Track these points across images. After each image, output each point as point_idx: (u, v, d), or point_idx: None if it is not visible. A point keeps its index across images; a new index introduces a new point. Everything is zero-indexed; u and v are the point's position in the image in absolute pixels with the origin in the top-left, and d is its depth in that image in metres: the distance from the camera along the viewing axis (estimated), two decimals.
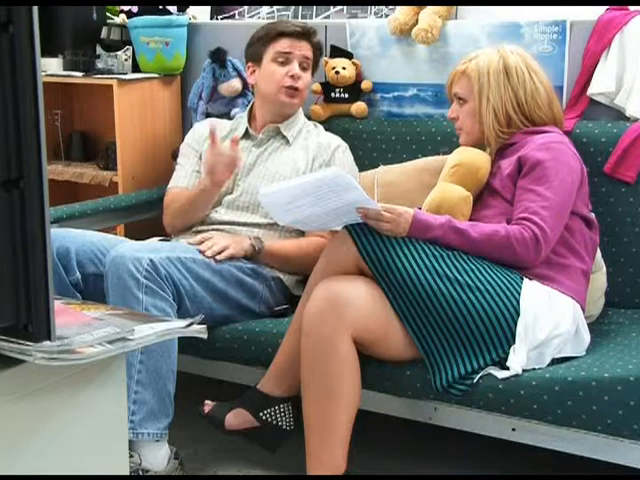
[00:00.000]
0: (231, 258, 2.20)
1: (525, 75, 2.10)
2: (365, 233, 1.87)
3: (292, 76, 2.41)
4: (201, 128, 2.60)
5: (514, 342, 1.85)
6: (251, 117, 2.55)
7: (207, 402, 2.07)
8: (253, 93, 2.61)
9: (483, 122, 2.11)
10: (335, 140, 2.50)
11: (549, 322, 1.88)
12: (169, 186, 2.54)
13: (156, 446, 1.99)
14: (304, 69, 2.45)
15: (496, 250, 1.90)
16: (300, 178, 2.02)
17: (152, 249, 2.07)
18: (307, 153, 2.44)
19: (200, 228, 2.40)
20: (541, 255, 1.91)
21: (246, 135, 2.51)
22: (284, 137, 2.47)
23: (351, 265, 1.89)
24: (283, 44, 2.42)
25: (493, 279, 1.87)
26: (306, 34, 2.45)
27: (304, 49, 2.45)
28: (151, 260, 1.99)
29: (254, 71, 2.48)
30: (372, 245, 1.86)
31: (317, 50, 2.51)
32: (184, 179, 2.51)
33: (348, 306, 1.82)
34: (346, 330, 1.82)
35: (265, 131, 2.48)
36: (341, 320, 1.81)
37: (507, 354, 1.85)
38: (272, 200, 1.94)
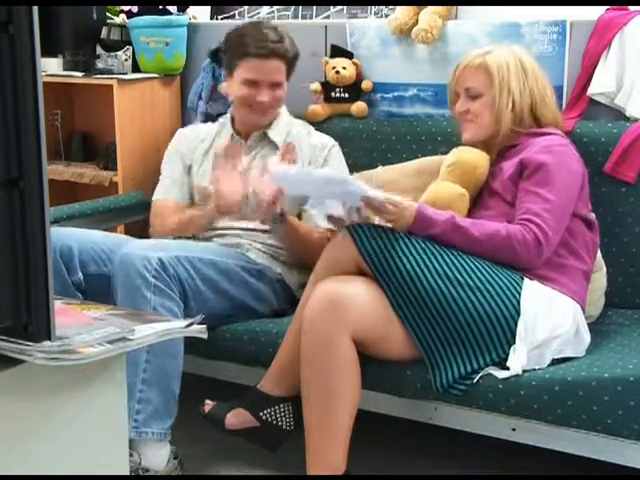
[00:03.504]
0: (237, 259, 2.21)
1: (538, 74, 2.10)
2: (365, 233, 1.87)
3: (257, 100, 2.34)
4: (188, 135, 2.54)
5: (514, 342, 1.85)
6: (233, 121, 2.50)
7: (207, 402, 2.07)
8: None
9: (500, 115, 2.08)
10: (327, 140, 2.48)
11: (549, 322, 1.88)
12: (159, 197, 2.49)
13: (157, 446, 1.99)
14: (276, 86, 2.35)
15: (497, 250, 1.90)
16: (316, 170, 2.01)
17: (160, 247, 2.06)
18: (300, 156, 2.38)
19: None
20: (543, 257, 1.91)
21: (232, 140, 2.45)
22: (272, 142, 2.43)
23: (351, 265, 1.88)
24: (250, 67, 2.31)
25: (493, 279, 1.87)
26: (273, 54, 2.31)
27: (272, 71, 2.32)
28: (160, 259, 1.99)
29: (227, 79, 2.42)
30: (372, 245, 1.86)
31: (291, 61, 2.37)
32: (175, 191, 2.47)
33: (348, 306, 1.81)
34: (346, 330, 1.81)
35: (253, 138, 2.45)
36: (341, 320, 1.81)
37: (507, 354, 1.85)
38: (281, 177, 1.96)
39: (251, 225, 2.34)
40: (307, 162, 2.41)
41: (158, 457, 2.00)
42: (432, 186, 2.11)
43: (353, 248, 1.87)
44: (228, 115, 2.53)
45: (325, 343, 1.82)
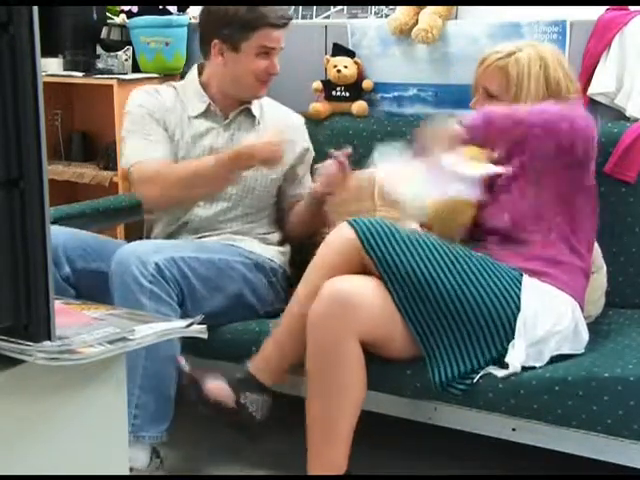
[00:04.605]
0: (234, 255, 2.21)
1: (562, 85, 2.05)
2: (368, 227, 1.87)
3: (271, 72, 2.30)
4: (157, 96, 2.36)
5: (513, 338, 1.85)
6: (206, 91, 2.36)
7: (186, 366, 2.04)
8: (202, 67, 2.40)
9: None
10: (297, 119, 2.47)
11: (548, 319, 1.88)
12: (139, 159, 2.25)
13: (142, 446, 2.00)
14: (277, 54, 2.32)
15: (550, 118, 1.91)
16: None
17: (157, 249, 2.05)
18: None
19: (183, 233, 2.36)
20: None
21: (206, 113, 2.35)
22: (252, 116, 2.38)
23: (354, 259, 1.87)
24: (267, 36, 2.24)
25: (494, 274, 1.87)
26: (288, 23, 2.29)
27: (282, 39, 2.29)
28: (157, 264, 1.98)
29: (222, 53, 2.28)
30: (375, 238, 1.85)
31: None
32: (160, 149, 2.28)
33: (357, 309, 1.81)
34: (354, 332, 1.81)
35: (235, 112, 2.37)
36: (349, 323, 1.81)
37: (506, 350, 1.85)
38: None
39: (228, 214, 2.34)
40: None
41: (141, 456, 1.99)
42: None
43: (356, 241, 1.86)
44: (196, 85, 2.36)
45: (333, 345, 1.82)
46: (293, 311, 1.96)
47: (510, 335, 1.86)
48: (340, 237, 1.91)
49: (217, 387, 1.98)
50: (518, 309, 1.86)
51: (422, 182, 1.93)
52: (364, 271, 1.89)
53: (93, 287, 2.06)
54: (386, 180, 2.04)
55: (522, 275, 1.91)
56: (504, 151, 1.98)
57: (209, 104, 2.35)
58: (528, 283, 1.90)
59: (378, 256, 1.85)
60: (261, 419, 1.99)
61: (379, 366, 1.92)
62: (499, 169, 1.91)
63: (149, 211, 2.39)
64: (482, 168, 1.91)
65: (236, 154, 2.14)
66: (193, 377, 2.00)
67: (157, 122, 2.32)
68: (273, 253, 2.35)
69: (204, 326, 1.14)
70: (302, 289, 1.96)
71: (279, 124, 2.38)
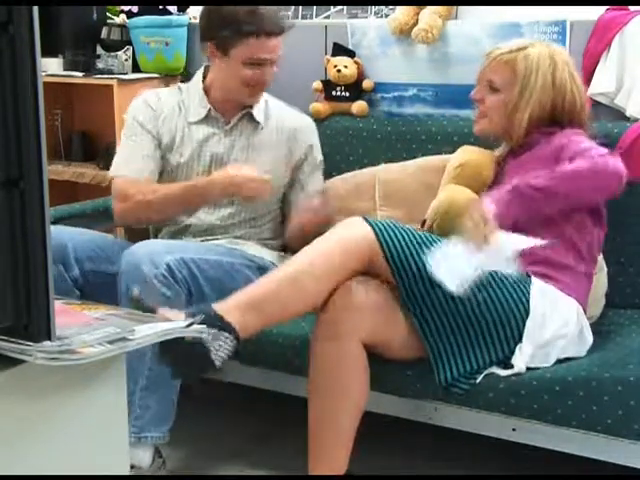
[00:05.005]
0: (239, 258, 2.20)
1: (567, 85, 2.05)
2: (384, 225, 1.86)
3: (259, 82, 2.23)
4: (156, 103, 2.33)
5: (521, 340, 1.85)
6: (208, 96, 2.32)
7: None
8: (206, 69, 2.36)
9: (514, 118, 2.05)
10: (306, 120, 2.42)
11: (555, 322, 1.88)
12: (120, 173, 2.26)
13: (145, 446, 1.99)
14: (276, 63, 2.24)
15: (585, 182, 1.89)
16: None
17: (167, 249, 2.03)
18: (280, 139, 2.35)
19: (187, 235, 2.35)
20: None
21: (206, 119, 2.32)
22: (254, 121, 2.34)
23: (366, 255, 1.85)
24: (257, 47, 2.17)
25: (504, 276, 1.87)
26: (283, 30, 2.19)
27: (277, 48, 2.20)
28: (168, 265, 1.96)
29: (215, 56, 2.24)
30: (391, 236, 1.83)
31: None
32: (142, 165, 2.26)
33: (358, 311, 1.81)
34: (356, 334, 1.81)
35: (237, 117, 2.33)
36: (351, 324, 1.81)
37: (512, 352, 1.86)
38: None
39: (229, 220, 2.33)
40: (287, 149, 2.35)
41: (143, 455, 1.99)
42: (445, 191, 2.09)
43: (372, 238, 1.84)
44: (198, 87, 2.33)
45: (336, 346, 1.82)
46: (292, 279, 1.84)
47: (517, 337, 1.86)
48: (357, 231, 1.88)
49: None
50: (527, 312, 1.86)
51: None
52: (369, 268, 1.88)
53: (99, 289, 2.05)
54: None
55: (531, 278, 1.91)
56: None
57: (210, 109, 2.32)
58: (537, 286, 1.90)
59: (392, 253, 1.83)
60: (218, 363, 1.70)
61: (380, 366, 1.92)
62: (535, 241, 1.85)
63: (117, 225, 2.40)
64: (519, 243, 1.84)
65: (209, 183, 2.16)
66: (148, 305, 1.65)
67: (148, 133, 2.29)
68: (277, 257, 2.34)
69: (204, 326, 1.15)
70: (307, 277, 1.84)
71: (284, 128, 2.36)
